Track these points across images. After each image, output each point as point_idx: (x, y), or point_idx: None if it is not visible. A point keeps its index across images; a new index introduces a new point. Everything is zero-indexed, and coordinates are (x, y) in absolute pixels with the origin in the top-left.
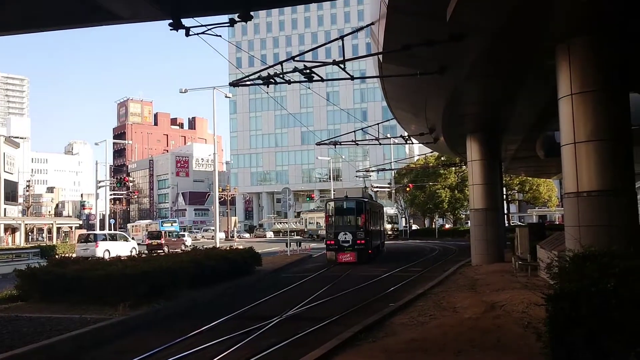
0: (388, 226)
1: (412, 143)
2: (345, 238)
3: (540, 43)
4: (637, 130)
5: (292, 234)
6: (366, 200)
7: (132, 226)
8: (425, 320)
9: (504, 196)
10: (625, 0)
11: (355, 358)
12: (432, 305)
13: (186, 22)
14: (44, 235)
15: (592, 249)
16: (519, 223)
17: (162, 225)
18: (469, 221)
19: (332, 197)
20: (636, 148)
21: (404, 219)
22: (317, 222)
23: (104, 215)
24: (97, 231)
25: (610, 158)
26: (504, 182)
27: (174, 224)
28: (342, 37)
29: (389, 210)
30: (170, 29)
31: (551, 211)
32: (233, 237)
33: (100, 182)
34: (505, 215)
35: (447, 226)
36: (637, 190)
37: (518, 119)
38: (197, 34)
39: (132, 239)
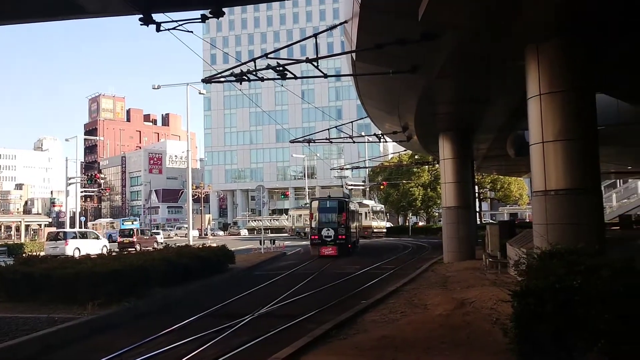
0: (374, 223)
1: (386, 141)
2: (328, 233)
3: (511, 44)
4: (603, 130)
5: (267, 231)
6: (347, 199)
7: (92, 224)
8: (397, 317)
9: (476, 194)
10: (593, 4)
11: (326, 355)
12: (404, 302)
13: (157, 17)
14: (12, 233)
15: (559, 246)
16: (491, 221)
17: (122, 224)
18: (441, 219)
19: (317, 197)
20: (602, 148)
21: None
22: (304, 220)
23: (74, 213)
24: (67, 229)
25: (576, 157)
26: (476, 180)
27: (134, 222)
28: (315, 35)
29: (377, 206)
30: (141, 24)
31: (522, 209)
32: (207, 234)
33: (70, 178)
34: (477, 213)
35: (420, 224)
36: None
37: (489, 118)
38: (168, 29)
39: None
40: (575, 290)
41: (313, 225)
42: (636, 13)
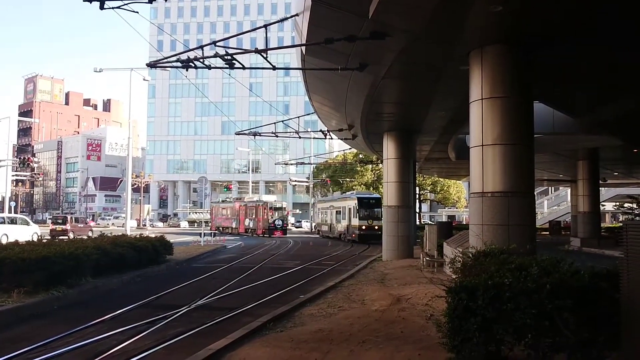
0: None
1: (332, 138)
2: (278, 222)
3: (456, 49)
4: (538, 138)
5: (208, 224)
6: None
7: None
8: (334, 311)
9: (417, 195)
10: (534, 15)
11: (262, 347)
12: (342, 297)
13: None
14: None
15: (493, 246)
16: (429, 222)
17: None
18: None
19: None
20: (537, 156)
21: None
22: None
23: (3, 198)
24: None
25: (513, 162)
26: (417, 181)
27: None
28: (266, 26)
29: (278, 203)
30: (84, 0)
31: (459, 212)
32: (145, 225)
33: (0, 161)
34: (417, 214)
35: None
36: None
37: (433, 120)
38: (113, 8)
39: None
40: (506, 287)
41: (270, 219)
42: (572, 26)
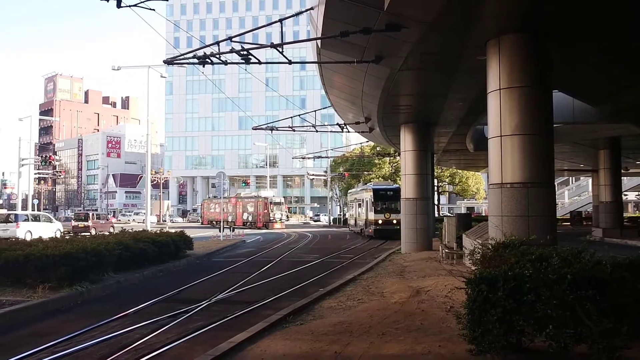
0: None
1: (349, 132)
2: (277, 215)
3: (473, 38)
4: (558, 128)
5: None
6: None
7: None
8: (353, 304)
9: (435, 187)
10: (553, 3)
11: (282, 340)
12: (361, 290)
13: None
14: None
15: (513, 237)
16: (448, 214)
17: None
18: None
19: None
20: (556, 146)
21: (338, 207)
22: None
23: (27, 195)
24: (19, 211)
25: (532, 152)
26: (435, 173)
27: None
28: (281, 20)
29: (276, 198)
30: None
31: (478, 203)
32: (165, 221)
33: (23, 159)
34: (435, 206)
35: None
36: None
37: (450, 112)
38: (130, 5)
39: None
40: (526, 278)
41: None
42: (594, 9)
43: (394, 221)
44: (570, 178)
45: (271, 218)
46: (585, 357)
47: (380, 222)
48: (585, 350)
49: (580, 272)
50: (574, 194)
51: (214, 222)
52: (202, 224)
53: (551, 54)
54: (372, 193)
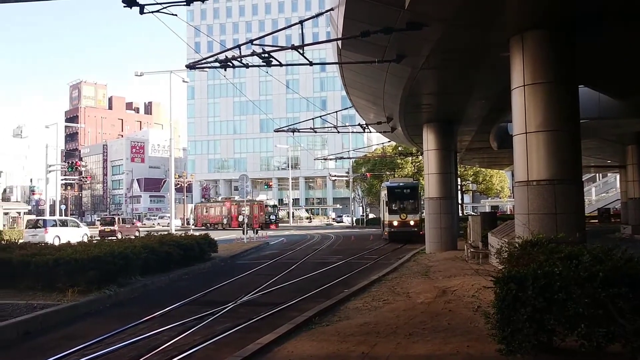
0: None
1: (370, 132)
2: (272, 217)
3: (495, 35)
4: (584, 124)
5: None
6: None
7: None
8: (379, 305)
9: (459, 186)
10: None
11: (309, 341)
12: (386, 290)
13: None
14: None
15: (541, 235)
16: (472, 213)
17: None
18: (424, 210)
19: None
20: (583, 142)
21: (361, 208)
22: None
23: (54, 201)
24: (47, 217)
25: (558, 148)
26: (458, 172)
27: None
28: (301, 22)
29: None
30: (124, 6)
31: (503, 202)
32: (189, 224)
33: (50, 166)
34: (459, 205)
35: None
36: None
37: (472, 110)
38: (152, 12)
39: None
40: (556, 276)
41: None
42: (618, 8)
43: (411, 222)
44: (597, 174)
45: (267, 220)
46: (619, 356)
47: (395, 223)
48: (619, 349)
49: (612, 270)
50: (601, 191)
51: (208, 225)
52: (195, 226)
53: (576, 49)
54: (386, 191)
